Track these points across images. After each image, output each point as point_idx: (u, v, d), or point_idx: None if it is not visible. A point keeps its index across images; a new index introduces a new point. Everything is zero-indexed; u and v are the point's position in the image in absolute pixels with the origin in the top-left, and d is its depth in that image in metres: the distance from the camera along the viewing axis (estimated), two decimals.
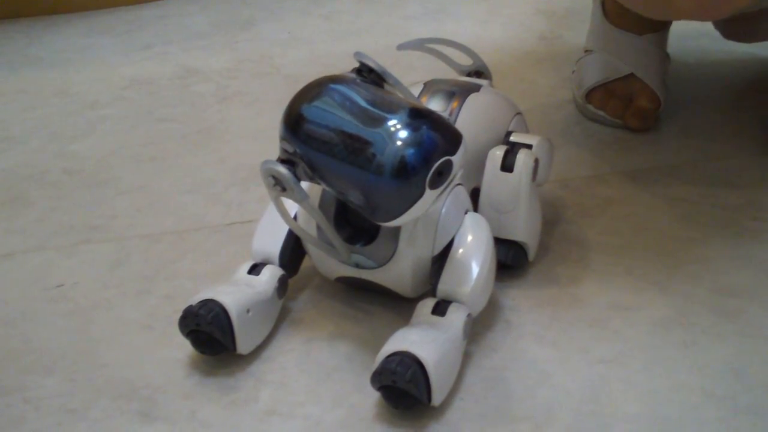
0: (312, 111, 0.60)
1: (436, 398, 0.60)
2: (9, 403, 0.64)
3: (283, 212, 0.64)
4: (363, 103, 0.59)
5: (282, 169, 0.60)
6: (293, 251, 0.70)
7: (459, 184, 0.67)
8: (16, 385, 0.66)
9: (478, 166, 0.71)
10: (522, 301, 0.71)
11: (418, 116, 0.58)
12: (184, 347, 0.66)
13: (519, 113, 0.77)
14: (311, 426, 0.61)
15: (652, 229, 0.79)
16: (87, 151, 0.96)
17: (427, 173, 0.57)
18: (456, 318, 0.63)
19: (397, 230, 0.65)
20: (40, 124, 1.02)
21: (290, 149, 0.60)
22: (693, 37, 1.14)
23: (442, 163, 0.58)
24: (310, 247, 0.69)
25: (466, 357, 0.65)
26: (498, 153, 0.71)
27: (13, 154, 0.96)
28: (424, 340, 0.61)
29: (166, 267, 0.77)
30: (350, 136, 0.58)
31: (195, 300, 0.65)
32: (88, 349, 0.69)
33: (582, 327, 0.69)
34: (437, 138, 0.58)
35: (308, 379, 0.65)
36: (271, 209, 0.71)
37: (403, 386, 0.59)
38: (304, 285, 0.74)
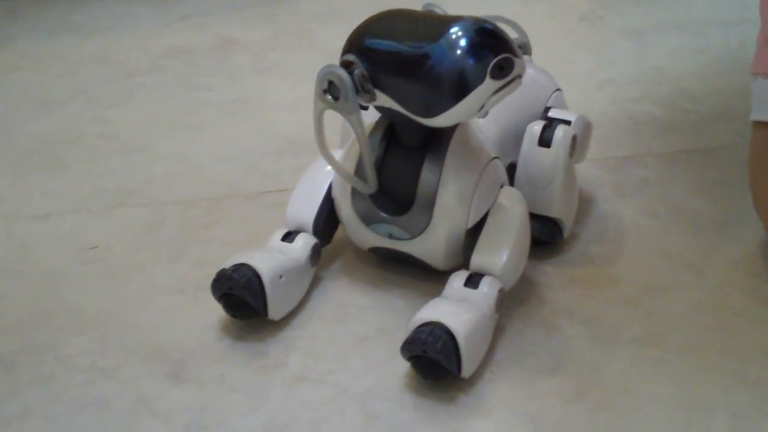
0: (380, 23, 0.62)
1: (466, 370, 0.60)
2: (40, 360, 0.64)
3: (321, 130, 0.64)
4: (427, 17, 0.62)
5: (342, 73, 0.60)
6: (327, 220, 0.70)
7: (495, 158, 0.67)
8: (47, 343, 0.66)
9: (515, 141, 0.71)
10: (555, 278, 0.71)
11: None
12: (215, 311, 0.66)
13: (558, 89, 0.76)
14: (339, 393, 0.61)
15: (689, 211, 0.78)
16: (123, 117, 0.96)
17: (493, 58, 0.58)
18: (488, 291, 0.63)
19: (431, 201, 0.64)
20: (78, 89, 1.03)
21: (351, 57, 0.61)
22: (735, 23, 1.13)
23: (505, 57, 0.59)
24: (343, 217, 0.69)
25: (498, 331, 0.65)
26: (536, 128, 0.70)
27: (50, 118, 0.96)
28: (456, 311, 0.60)
29: (199, 233, 0.77)
30: (423, 21, 0.61)
31: (228, 264, 0.65)
32: (119, 311, 0.69)
33: (615, 306, 0.68)
34: (505, 37, 0.60)
35: (338, 347, 0.65)
36: (306, 177, 0.71)
37: (434, 356, 0.58)
38: (337, 254, 0.73)
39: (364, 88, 0.61)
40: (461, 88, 0.59)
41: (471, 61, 0.58)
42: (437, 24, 0.60)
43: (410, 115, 0.61)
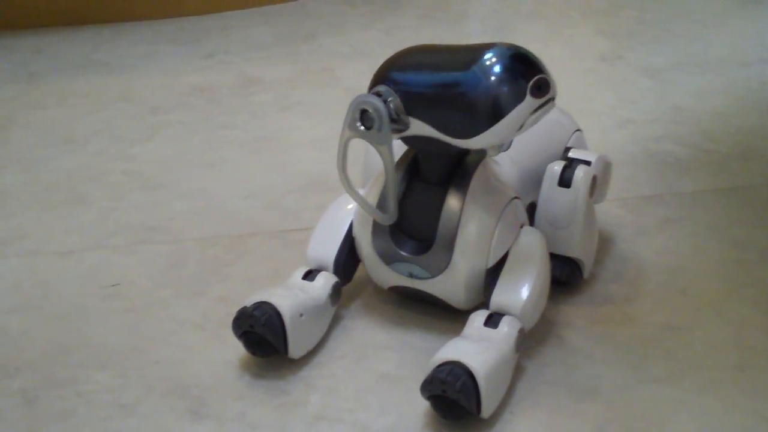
0: (409, 55, 0.64)
1: (486, 410, 0.60)
2: (61, 395, 0.65)
3: (345, 159, 0.64)
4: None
5: (378, 102, 0.61)
6: (348, 259, 0.70)
7: (516, 198, 0.67)
8: (68, 378, 0.66)
9: (535, 181, 0.71)
10: (575, 318, 0.71)
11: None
12: (236, 348, 0.67)
13: (578, 130, 0.77)
14: None
15: (710, 250, 0.78)
16: (147, 154, 0.97)
17: (531, 77, 0.59)
18: (508, 331, 0.63)
19: (452, 241, 0.65)
20: (103, 127, 1.04)
21: (382, 89, 0.62)
22: (755, 62, 1.13)
23: (542, 78, 0.60)
24: (364, 256, 0.70)
25: (518, 371, 0.65)
26: (556, 168, 0.71)
27: (75, 155, 0.97)
28: (475, 351, 0.61)
29: (220, 270, 0.78)
30: (455, 50, 0.62)
31: (249, 302, 0.65)
32: (141, 347, 0.69)
33: (635, 346, 0.68)
34: (539, 60, 0.61)
35: (358, 386, 0.65)
36: (327, 216, 0.72)
37: (453, 396, 0.58)
38: (358, 293, 0.74)
39: (398, 118, 0.62)
40: (503, 106, 0.59)
41: (512, 79, 0.59)
42: (471, 50, 0.61)
43: (447, 139, 0.62)
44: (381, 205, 0.67)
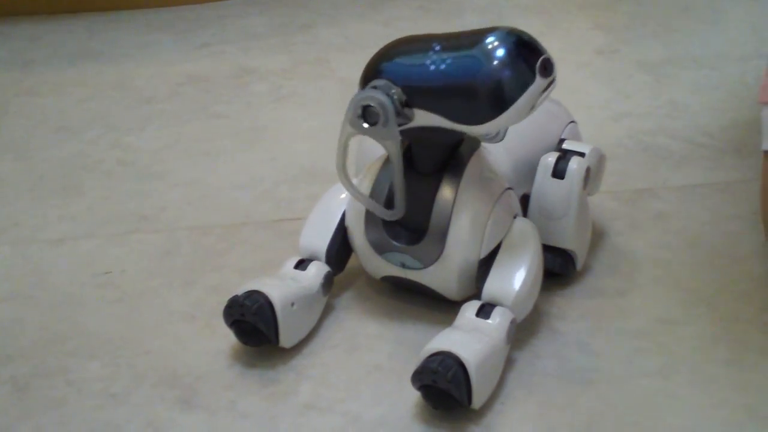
0: (403, 46, 0.63)
1: (477, 401, 0.60)
2: (52, 384, 0.65)
3: (345, 158, 0.64)
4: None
5: (383, 97, 0.60)
6: (340, 249, 0.70)
7: (509, 189, 0.67)
8: (60, 367, 0.66)
9: (529, 172, 0.71)
10: (568, 310, 0.71)
11: None
12: (227, 338, 0.67)
13: (573, 122, 0.77)
14: (349, 422, 0.61)
15: (703, 245, 0.78)
16: (141, 143, 0.97)
17: (537, 58, 0.59)
18: (500, 322, 0.63)
19: (444, 231, 0.65)
20: (97, 115, 1.03)
21: (380, 83, 0.61)
22: (751, 57, 1.13)
23: (546, 59, 0.60)
24: (356, 246, 0.69)
25: (509, 362, 0.65)
26: (550, 159, 0.71)
27: (69, 144, 0.97)
28: (467, 341, 0.61)
29: (213, 259, 0.78)
30: (451, 37, 0.61)
31: (241, 291, 0.65)
32: (132, 336, 0.69)
33: (627, 338, 0.68)
34: (538, 42, 0.61)
35: (349, 376, 0.65)
36: (320, 206, 0.71)
37: (444, 386, 0.58)
38: (350, 283, 0.74)
39: (402, 111, 0.61)
40: (515, 90, 0.59)
41: (522, 62, 0.59)
42: (470, 36, 0.61)
43: (458, 127, 0.61)
44: (374, 194, 0.66)
